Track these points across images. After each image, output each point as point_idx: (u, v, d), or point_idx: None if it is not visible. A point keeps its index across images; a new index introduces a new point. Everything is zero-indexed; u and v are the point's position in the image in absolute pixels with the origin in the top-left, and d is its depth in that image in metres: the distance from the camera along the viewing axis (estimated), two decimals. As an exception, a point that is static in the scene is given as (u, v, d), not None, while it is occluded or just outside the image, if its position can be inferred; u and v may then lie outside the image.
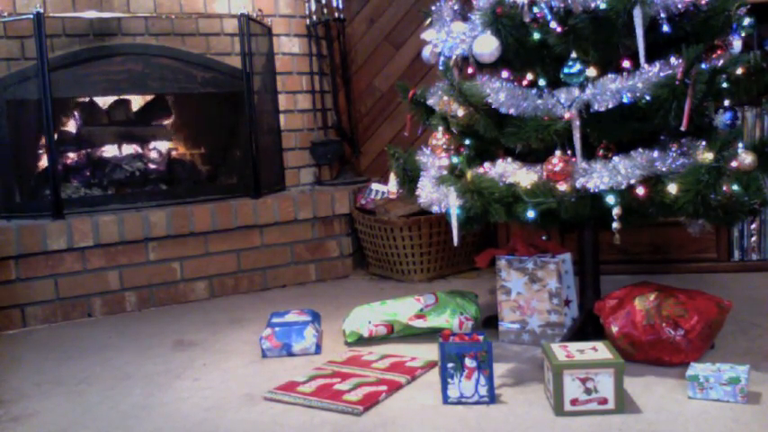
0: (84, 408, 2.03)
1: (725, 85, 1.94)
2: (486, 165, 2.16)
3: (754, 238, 3.03)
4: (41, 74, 2.93)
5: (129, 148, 3.45)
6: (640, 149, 1.98)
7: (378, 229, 3.29)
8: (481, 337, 1.91)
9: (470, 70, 2.14)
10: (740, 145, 1.99)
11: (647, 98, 1.90)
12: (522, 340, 2.32)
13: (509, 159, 2.15)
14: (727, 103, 2.06)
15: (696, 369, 1.84)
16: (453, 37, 2.14)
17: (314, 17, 3.65)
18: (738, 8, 2.06)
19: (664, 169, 1.97)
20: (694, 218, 2.08)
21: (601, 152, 2.05)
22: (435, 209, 2.13)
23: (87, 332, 2.77)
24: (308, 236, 3.37)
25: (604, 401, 1.77)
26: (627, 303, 2.08)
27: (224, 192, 3.38)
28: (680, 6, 1.97)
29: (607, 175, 1.93)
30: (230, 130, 3.52)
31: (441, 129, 2.24)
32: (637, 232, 3.01)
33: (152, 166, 3.44)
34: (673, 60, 1.91)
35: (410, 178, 2.30)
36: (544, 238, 2.46)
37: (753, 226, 3.02)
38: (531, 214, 2.01)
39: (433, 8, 2.30)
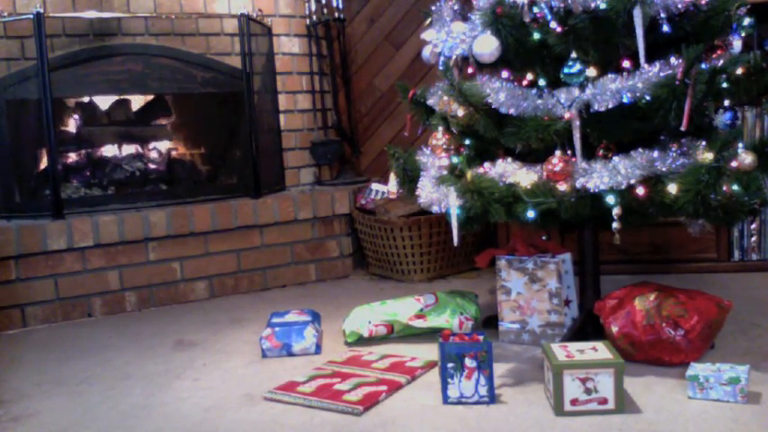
0: (85, 408, 2.03)
1: (725, 85, 1.94)
2: (486, 165, 2.16)
3: (754, 238, 3.03)
4: (41, 74, 2.93)
5: (129, 148, 3.45)
6: (640, 149, 1.98)
7: (378, 229, 3.30)
8: (481, 337, 1.91)
9: (470, 70, 2.14)
10: (740, 145, 1.99)
11: (647, 98, 1.90)
12: (522, 340, 2.32)
13: (509, 159, 2.15)
14: (727, 103, 2.06)
15: (696, 369, 1.84)
16: (453, 37, 2.14)
17: (314, 17, 3.65)
18: (738, 8, 2.06)
19: (664, 169, 1.97)
20: (694, 218, 2.08)
21: (601, 152, 2.06)
22: (435, 209, 2.13)
23: (87, 332, 2.77)
24: (308, 236, 3.37)
25: (604, 401, 1.77)
26: (627, 303, 2.08)
27: (224, 192, 3.38)
28: (680, 6, 1.97)
29: (607, 175, 1.93)
30: (230, 130, 3.52)
31: (441, 129, 2.24)
32: (637, 232, 3.01)
33: (152, 166, 3.44)
34: (673, 60, 1.91)
35: (410, 178, 2.30)
36: (544, 238, 2.46)
37: (753, 226, 3.02)
38: (531, 214, 2.01)
39: (433, 8, 2.30)
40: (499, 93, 2.02)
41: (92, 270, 2.97)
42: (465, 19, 2.20)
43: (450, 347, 1.87)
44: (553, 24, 1.98)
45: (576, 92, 1.97)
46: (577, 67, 1.98)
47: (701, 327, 2.01)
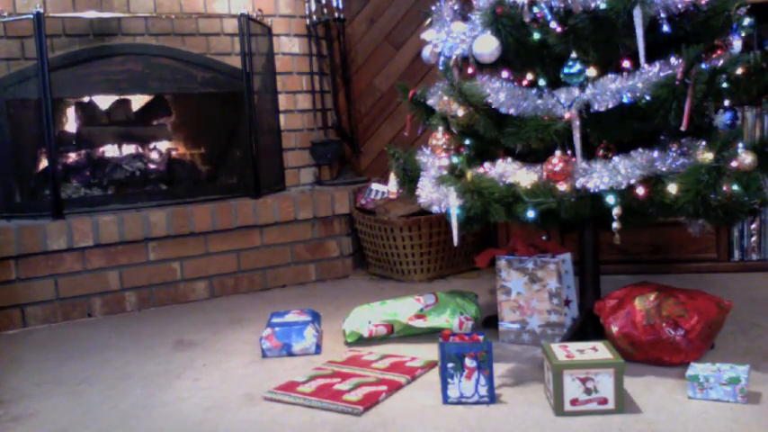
0: (85, 408, 2.03)
1: (725, 85, 1.94)
2: (486, 165, 2.16)
3: (754, 238, 3.03)
4: (41, 74, 2.93)
5: (129, 148, 3.45)
6: (640, 149, 1.98)
7: (378, 229, 3.29)
8: (481, 337, 1.91)
9: (470, 70, 2.14)
10: (740, 145, 1.99)
11: (647, 98, 1.90)
12: (522, 340, 2.32)
13: (509, 159, 2.15)
14: (727, 103, 2.06)
15: (696, 369, 1.84)
16: (453, 37, 2.14)
17: (314, 17, 3.65)
18: (738, 8, 2.06)
19: (664, 169, 1.97)
20: (694, 218, 2.08)
21: (601, 152, 2.06)
22: (435, 209, 2.13)
23: (87, 332, 2.77)
24: (308, 236, 3.37)
25: (604, 401, 1.77)
26: (627, 303, 2.08)
27: (224, 192, 3.38)
28: (680, 6, 1.97)
29: (607, 175, 1.93)
30: (230, 130, 3.52)
31: (441, 129, 2.24)
32: (637, 232, 3.01)
33: (152, 166, 3.44)
34: (673, 60, 1.91)
35: (410, 178, 2.30)
36: (544, 238, 2.46)
37: (753, 226, 3.02)
38: (531, 214, 2.01)
39: (433, 8, 2.30)
40: (499, 93, 2.02)
41: (92, 270, 2.97)
42: (465, 19, 2.20)
43: (450, 347, 1.87)
44: (553, 24, 1.98)
45: (575, 92, 1.97)
46: (577, 67, 1.98)
47: (701, 327, 2.01)
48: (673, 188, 1.92)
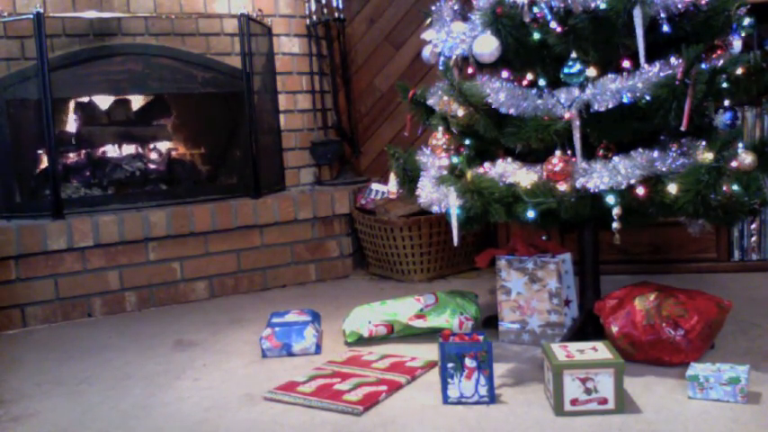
0: (85, 408, 2.03)
1: (725, 85, 1.94)
2: (486, 165, 2.16)
3: (754, 238, 3.03)
4: (41, 74, 2.93)
5: (129, 148, 3.45)
6: (640, 149, 1.98)
7: (378, 229, 3.30)
8: (481, 337, 1.91)
9: (470, 70, 2.14)
10: (740, 145, 1.99)
11: (647, 98, 1.90)
12: (522, 340, 2.32)
13: (509, 159, 2.15)
14: (727, 103, 2.06)
15: (696, 369, 1.84)
16: (453, 37, 2.14)
17: (314, 17, 3.65)
18: (738, 8, 2.06)
19: (664, 169, 1.97)
20: (694, 218, 2.08)
21: (601, 152, 2.06)
22: (435, 209, 2.13)
23: (87, 332, 2.77)
24: (308, 236, 3.37)
25: (604, 401, 1.77)
26: (627, 303, 2.08)
27: (224, 192, 3.38)
28: (680, 6, 1.97)
29: (607, 175, 1.93)
30: (230, 130, 3.52)
31: (441, 129, 2.24)
32: (637, 232, 3.01)
33: (152, 166, 3.44)
34: (673, 60, 1.91)
35: (410, 178, 2.30)
36: (544, 238, 2.46)
37: (753, 226, 3.02)
38: (531, 214, 2.01)
39: (433, 8, 2.30)
40: (499, 93, 2.02)
41: (92, 270, 2.97)
42: (465, 19, 2.20)
43: (450, 347, 1.87)
44: (553, 24, 1.98)
45: (576, 92, 1.97)
46: (577, 67, 1.98)
47: (701, 327, 2.01)
48: (673, 188, 1.92)
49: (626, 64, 2.00)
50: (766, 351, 2.13)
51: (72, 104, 3.39)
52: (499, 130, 2.08)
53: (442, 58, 2.22)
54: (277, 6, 3.53)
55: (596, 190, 1.95)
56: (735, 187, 1.92)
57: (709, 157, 1.98)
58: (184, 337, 2.63)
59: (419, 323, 2.41)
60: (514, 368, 2.12)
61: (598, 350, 1.85)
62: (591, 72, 2.00)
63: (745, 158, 1.95)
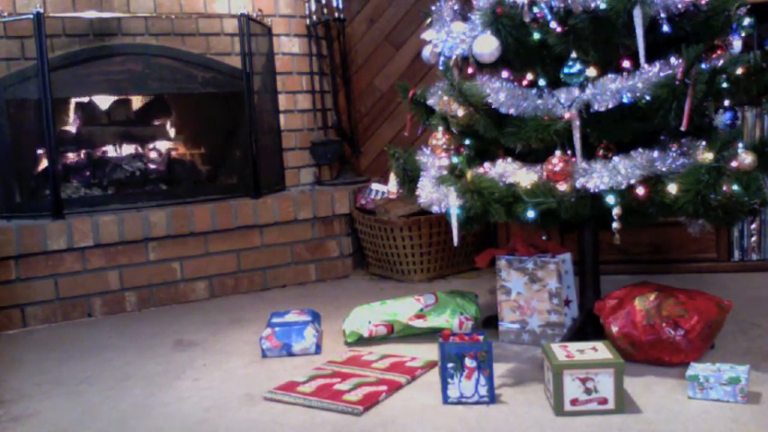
0: (85, 408, 2.03)
1: (725, 85, 1.94)
2: (486, 165, 2.16)
3: (754, 238, 3.03)
4: (41, 74, 2.93)
5: (129, 148, 3.45)
6: (640, 149, 1.98)
7: (378, 229, 3.29)
8: (481, 337, 1.91)
9: (470, 70, 2.14)
10: (740, 145, 1.99)
11: (647, 98, 1.90)
12: (522, 340, 2.32)
13: (509, 159, 2.15)
14: (727, 103, 2.06)
15: (696, 369, 1.84)
16: (453, 37, 2.14)
17: (314, 17, 3.65)
18: (738, 8, 2.06)
19: (664, 169, 1.97)
20: (694, 218, 2.08)
21: (601, 152, 2.06)
22: (435, 209, 2.13)
23: (87, 332, 2.77)
24: (308, 236, 3.37)
25: (604, 401, 1.77)
26: (627, 303, 2.08)
27: (224, 192, 3.38)
28: (680, 6, 1.97)
29: (607, 175, 1.93)
30: (230, 130, 3.52)
31: (441, 129, 2.24)
32: (637, 232, 3.01)
33: (152, 166, 3.44)
34: (673, 60, 1.91)
35: (410, 178, 2.30)
36: (544, 238, 2.46)
37: (753, 226, 3.02)
38: (531, 214, 2.01)
39: (433, 8, 2.30)
40: (499, 93, 2.02)
41: (92, 270, 2.97)
42: (465, 19, 2.20)
43: (450, 347, 1.87)
44: (553, 24, 1.98)
45: (576, 92, 1.97)
46: (577, 67, 1.98)
47: (701, 327, 2.01)
48: (673, 188, 1.92)
49: (626, 64, 2.00)
50: (766, 351, 2.13)
51: (72, 104, 3.39)
52: (499, 130, 2.08)
53: (442, 58, 2.22)
54: (277, 6, 3.53)
55: (596, 190, 1.95)
56: (735, 187, 1.92)
57: (709, 157, 1.98)
58: (184, 337, 2.63)
59: (419, 323, 2.41)
60: (514, 368, 2.12)
61: (598, 350, 1.85)
62: (591, 72, 2.00)
63: (745, 158, 1.95)
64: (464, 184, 2.06)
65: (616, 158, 1.97)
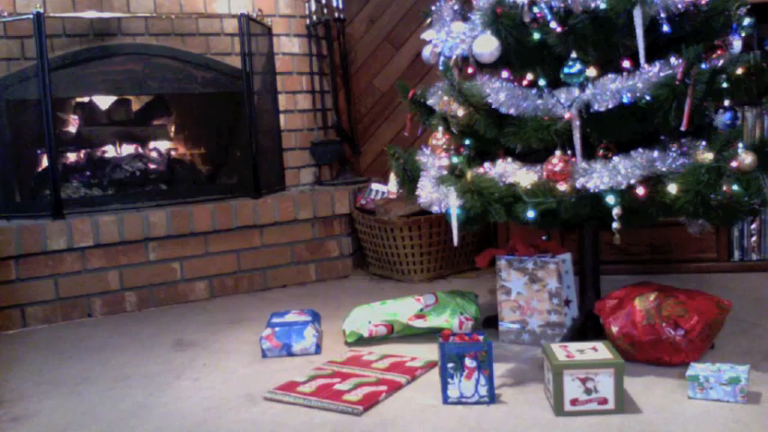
0: (85, 408, 2.03)
1: (725, 85, 1.94)
2: (486, 165, 2.16)
3: (754, 238, 3.03)
4: (41, 74, 2.93)
5: (129, 148, 3.45)
6: (640, 149, 1.98)
7: (378, 229, 3.29)
8: (481, 337, 1.91)
9: (470, 70, 2.14)
10: (740, 145, 1.98)
11: (647, 98, 1.90)
12: (522, 340, 2.32)
13: (509, 159, 2.15)
14: (727, 103, 2.06)
15: (696, 369, 1.84)
16: (453, 37, 2.14)
17: (314, 17, 3.65)
18: (738, 8, 2.06)
19: (664, 169, 1.97)
20: (694, 218, 2.08)
21: (601, 152, 2.05)
22: (435, 209, 2.13)
23: (87, 332, 2.77)
24: (308, 236, 3.37)
25: (604, 401, 1.77)
26: (627, 303, 2.08)
27: (224, 192, 3.38)
28: (680, 6, 1.97)
29: (607, 175, 1.93)
30: (230, 130, 3.52)
31: (441, 129, 2.24)
32: (637, 232, 3.01)
33: (152, 166, 3.44)
34: (673, 60, 1.91)
35: (410, 178, 2.30)
36: (544, 238, 2.46)
37: (753, 226, 3.02)
38: (531, 214, 2.01)
39: (433, 8, 2.30)
40: (499, 93, 2.02)
41: (92, 270, 2.97)
42: (465, 19, 2.20)
43: (450, 347, 1.87)
44: (553, 24, 1.97)
45: (576, 92, 1.97)
46: (577, 67, 1.97)
47: (701, 327, 2.01)
48: (673, 188, 1.92)
49: (626, 64, 2.00)
50: (766, 351, 2.13)
51: (72, 104, 3.39)
52: (499, 130, 2.08)
53: (442, 58, 2.22)
54: (277, 6, 3.53)
55: (596, 190, 1.95)
56: (735, 187, 1.92)
57: (709, 157, 1.98)
58: (184, 337, 2.63)
59: (419, 323, 2.41)
60: (514, 368, 2.12)
61: (598, 350, 1.85)
62: (591, 72, 2.00)
63: (745, 158, 1.95)
64: (464, 184, 2.06)
65: (616, 158, 1.97)
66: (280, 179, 3.54)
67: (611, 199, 1.94)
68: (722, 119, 2.09)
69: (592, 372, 1.77)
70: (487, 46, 2.05)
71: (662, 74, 1.89)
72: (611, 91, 1.92)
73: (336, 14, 3.71)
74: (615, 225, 1.96)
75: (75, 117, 3.41)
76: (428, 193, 2.14)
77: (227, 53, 3.40)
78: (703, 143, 2.05)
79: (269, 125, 3.47)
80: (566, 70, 1.99)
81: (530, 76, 2.17)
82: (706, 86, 1.88)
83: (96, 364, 2.39)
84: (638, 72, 1.93)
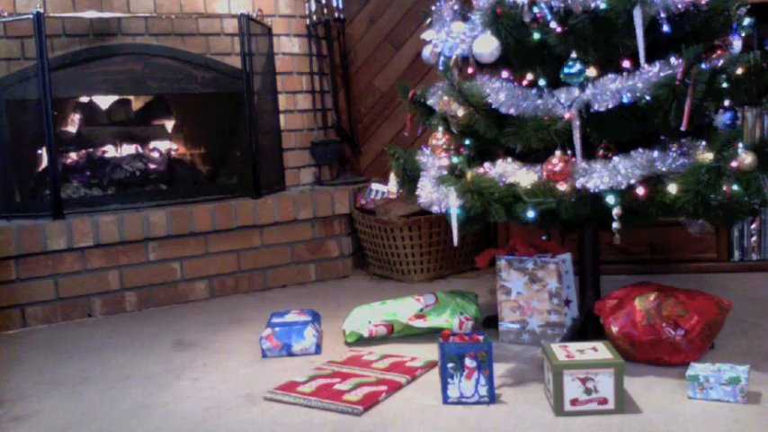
0: (85, 408, 2.03)
1: (725, 85, 1.94)
2: (486, 165, 2.16)
3: (754, 238, 3.03)
4: (41, 74, 2.93)
5: (129, 148, 3.45)
6: (640, 149, 1.98)
7: (378, 229, 3.29)
8: (481, 337, 1.91)
9: (470, 70, 2.14)
10: (740, 145, 1.98)
11: (647, 98, 1.90)
12: (522, 340, 2.32)
13: (509, 159, 2.15)
14: (727, 103, 2.06)
15: (696, 369, 1.84)
16: (453, 37, 2.14)
17: (314, 17, 3.65)
18: (738, 8, 2.06)
19: (664, 169, 1.97)
20: (694, 218, 2.08)
21: (601, 152, 2.05)
22: (435, 209, 2.13)
23: (87, 332, 2.77)
24: (308, 236, 3.37)
25: (604, 401, 1.77)
26: (627, 303, 2.08)
27: (224, 192, 3.38)
28: (680, 6, 1.97)
29: (607, 175, 1.93)
30: (230, 130, 3.52)
31: (441, 129, 2.24)
32: (637, 232, 3.01)
33: (152, 166, 3.44)
34: (673, 60, 1.91)
35: (410, 178, 2.30)
36: (544, 238, 2.46)
37: (753, 226, 3.02)
38: (531, 214, 2.01)
39: (433, 8, 2.30)
40: (499, 93, 2.02)
41: (92, 270, 2.97)
42: (465, 19, 2.20)
43: (450, 347, 1.87)
44: (553, 24, 1.97)
45: (576, 92, 1.97)
46: (577, 67, 1.97)
47: (701, 327, 2.01)
48: (673, 188, 1.92)
49: (626, 64, 2.00)
50: (766, 351, 2.13)
51: (72, 104, 3.39)
52: (499, 130, 2.08)
53: (442, 58, 2.22)
54: (277, 6, 3.53)
55: (596, 190, 1.95)
56: (735, 187, 1.92)
57: (709, 157, 1.98)
58: (184, 337, 2.63)
59: (419, 323, 2.41)
60: (514, 368, 2.12)
61: (598, 350, 1.85)
62: (591, 72, 2.00)
63: (745, 158, 1.95)
64: (464, 184, 2.06)
65: (616, 158, 1.97)
66: (280, 179, 3.54)
67: (611, 199, 1.94)
68: (722, 119, 2.09)
69: (592, 372, 1.77)
70: (487, 46, 2.05)
71: (662, 74, 1.89)
72: (611, 91, 1.92)
73: (336, 14, 3.71)
74: (615, 225, 1.96)
75: (75, 117, 3.41)
76: (428, 193, 2.14)
77: (227, 53, 3.40)
78: (703, 143, 2.05)
79: (269, 125, 3.47)
80: (566, 70, 1.99)
81: (530, 76, 2.17)
82: (706, 86, 1.88)
83: (96, 364, 2.39)
84: (638, 72, 1.92)
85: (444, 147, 2.21)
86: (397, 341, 2.43)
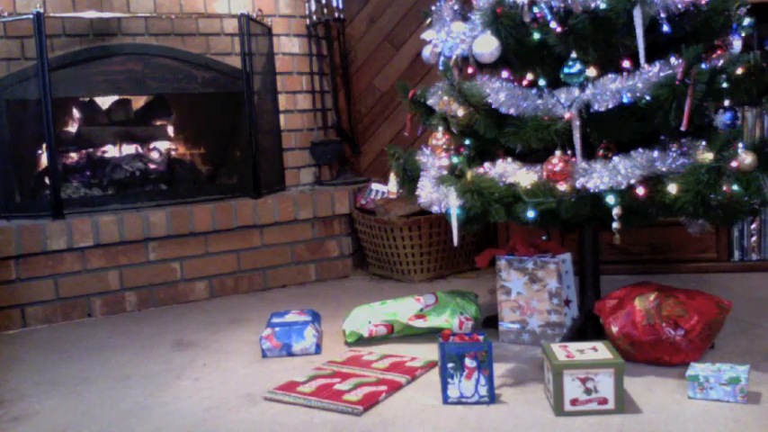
0: (84, 408, 2.03)
1: (725, 85, 1.94)
2: (486, 165, 2.16)
3: (754, 238, 3.03)
4: (41, 74, 2.93)
5: (129, 148, 3.45)
6: (640, 149, 1.98)
7: (378, 229, 3.29)
8: (481, 337, 1.91)
9: (470, 70, 2.14)
10: (740, 145, 1.99)
11: (647, 98, 1.90)
12: (522, 340, 2.32)
13: (509, 159, 2.15)
14: (727, 103, 2.06)
15: (696, 369, 1.84)
16: (453, 37, 2.14)
17: (314, 17, 3.65)
18: (738, 8, 2.06)
19: (664, 169, 1.97)
20: (694, 218, 2.08)
21: (601, 152, 2.05)
22: (435, 209, 2.13)
23: (87, 332, 2.77)
24: (308, 236, 3.37)
25: (604, 401, 1.77)
26: (627, 303, 2.08)
27: (224, 192, 3.38)
28: (680, 6, 1.97)
29: (607, 175, 1.93)
30: (230, 130, 3.52)
31: (441, 129, 2.24)
32: (637, 232, 3.01)
33: (152, 166, 3.44)
34: (673, 60, 1.91)
35: (410, 178, 2.30)
36: (544, 238, 2.46)
37: (753, 226, 3.02)
38: (531, 214, 2.01)
39: (433, 8, 2.30)
40: (499, 93, 2.02)
41: (92, 270, 2.97)
42: (465, 19, 2.20)
43: (450, 347, 1.87)
44: (553, 24, 1.97)
45: (576, 92, 1.97)
46: (577, 67, 1.97)
47: (701, 327, 2.01)
48: (673, 188, 1.92)
49: (626, 64, 2.00)
50: (766, 351, 2.13)
51: (72, 104, 3.39)
52: (499, 130, 2.08)
53: (442, 58, 2.22)
54: (277, 6, 3.53)
55: (596, 190, 1.95)
56: (735, 187, 1.92)
57: (709, 157, 1.98)
58: (184, 337, 2.63)
59: (419, 323, 2.41)
60: (514, 368, 2.12)
61: (598, 350, 1.85)
62: (591, 72, 2.00)
63: (745, 158, 1.95)
64: (464, 184, 2.06)
65: (616, 158, 1.97)
66: (280, 179, 3.54)
67: (611, 199, 1.94)
68: (722, 119, 2.10)
69: (592, 372, 1.77)
70: (487, 46, 2.05)
71: (662, 74, 1.89)
72: (611, 91, 1.92)
73: (336, 14, 3.71)
74: (615, 225, 1.96)
75: (75, 117, 3.41)
76: (428, 193, 2.14)
77: (227, 53, 3.40)
78: (703, 143, 2.05)
79: (269, 125, 3.47)
80: (566, 70, 1.99)
81: (530, 76, 2.17)
82: (706, 86, 1.88)
83: (96, 364, 2.39)
84: (638, 72, 1.92)
85: (444, 147, 2.21)
86: (397, 341, 2.43)
